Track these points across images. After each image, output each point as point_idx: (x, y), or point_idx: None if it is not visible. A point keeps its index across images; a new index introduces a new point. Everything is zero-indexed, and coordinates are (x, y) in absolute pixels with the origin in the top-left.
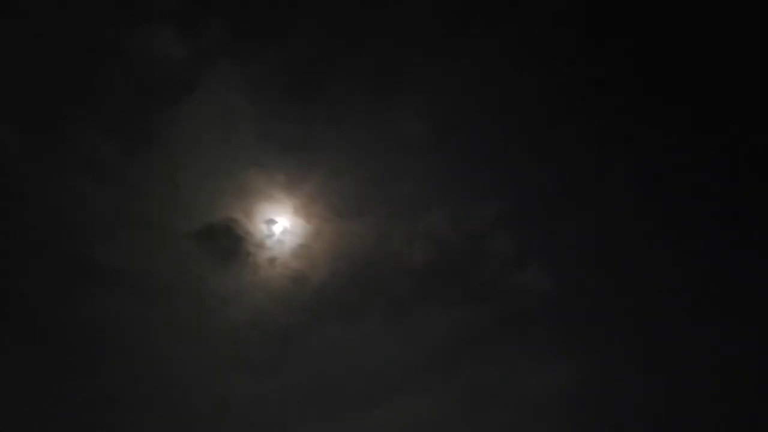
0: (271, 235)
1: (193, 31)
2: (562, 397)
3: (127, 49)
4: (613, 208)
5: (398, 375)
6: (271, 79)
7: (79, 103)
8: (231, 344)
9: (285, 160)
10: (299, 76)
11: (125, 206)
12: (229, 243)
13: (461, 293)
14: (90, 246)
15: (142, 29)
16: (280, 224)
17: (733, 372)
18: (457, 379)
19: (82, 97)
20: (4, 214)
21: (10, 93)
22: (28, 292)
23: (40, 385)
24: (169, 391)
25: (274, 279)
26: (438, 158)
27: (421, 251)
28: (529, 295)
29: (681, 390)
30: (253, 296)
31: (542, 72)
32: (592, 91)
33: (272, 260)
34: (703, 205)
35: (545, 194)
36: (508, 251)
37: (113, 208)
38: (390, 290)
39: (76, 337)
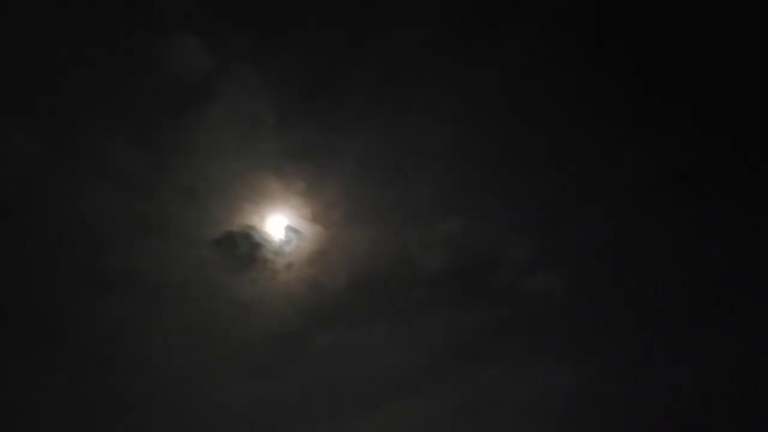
0: (289, 241)
1: (216, 39)
2: (568, 400)
3: (150, 58)
4: (623, 211)
5: (408, 377)
6: (292, 88)
7: (100, 110)
8: (245, 347)
9: (305, 168)
10: (320, 84)
11: (145, 213)
12: (248, 249)
13: (471, 297)
14: (109, 252)
15: (164, 38)
16: (299, 231)
17: (738, 375)
18: (466, 381)
19: (103, 104)
20: (26, 220)
21: (33, 101)
22: (48, 296)
23: (53, 387)
24: (180, 392)
25: (291, 285)
26: (455, 164)
27: (436, 257)
28: (536, 299)
29: (686, 393)
30: (269, 302)
31: (552, 75)
32: (604, 94)
33: (289, 266)
34: (713, 208)
35: (559, 198)
36: (520, 255)
37: (133, 215)
38: (404, 295)
39: (92, 340)
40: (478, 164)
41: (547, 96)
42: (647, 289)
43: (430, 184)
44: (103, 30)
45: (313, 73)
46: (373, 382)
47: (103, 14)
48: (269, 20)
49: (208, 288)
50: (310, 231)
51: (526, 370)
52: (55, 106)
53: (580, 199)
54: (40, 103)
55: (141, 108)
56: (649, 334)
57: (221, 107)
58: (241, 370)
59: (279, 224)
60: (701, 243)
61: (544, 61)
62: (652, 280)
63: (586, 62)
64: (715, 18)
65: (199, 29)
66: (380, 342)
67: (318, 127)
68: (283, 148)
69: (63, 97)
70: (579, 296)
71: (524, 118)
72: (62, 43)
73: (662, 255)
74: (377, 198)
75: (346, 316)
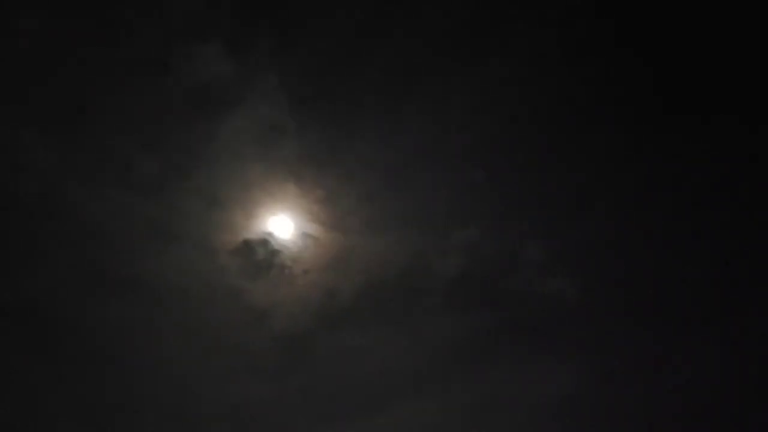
0: (306, 247)
1: (238, 46)
2: (576, 402)
3: (169, 64)
4: (632, 215)
5: (419, 379)
6: (313, 94)
7: (118, 115)
8: (260, 351)
9: (324, 175)
10: (339, 91)
11: (162, 219)
12: (266, 256)
13: (482, 302)
14: (125, 257)
15: (185, 44)
16: (317, 237)
17: (746, 381)
18: (476, 384)
19: (121, 109)
20: (42, 227)
21: (51, 106)
22: (62, 299)
23: (67, 389)
24: (191, 394)
25: (307, 290)
26: (473, 171)
27: (451, 263)
28: (545, 303)
29: (694, 395)
30: (286, 307)
31: (564, 79)
32: (615, 97)
33: (307, 272)
34: (722, 212)
35: (569, 203)
36: (532, 261)
37: (150, 221)
38: (418, 300)
39: (105, 343)
40: (494, 170)
41: (561, 101)
42: (656, 292)
43: (447, 191)
44: (123, 34)
45: (333, 80)
46: (385, 384)
47: (124, 18)
48: (290, 26)
49: (225, 293)
50: (327, 238)
51: (535, 372)
52: (71, 110)
53: (590, 204)
54: (57, 107)
55: (160, 114)
56: (657, 336)
57: (241, 114)
58: (255, 373)
59: (297, 231)
60: (710, 245)
61: (559, 62)
62: (661, 283)
63: (598, 64)
64: (728, 21)
65: (221, 35)
66: (392, 346)
67: (337, 134)
68: (302, 155)
69: (80, 101)
70: (587, 300)
71: (536, 122)
72: (80, 46)
73: (671, 258)
74: (395, 205)
75: (360, 320)
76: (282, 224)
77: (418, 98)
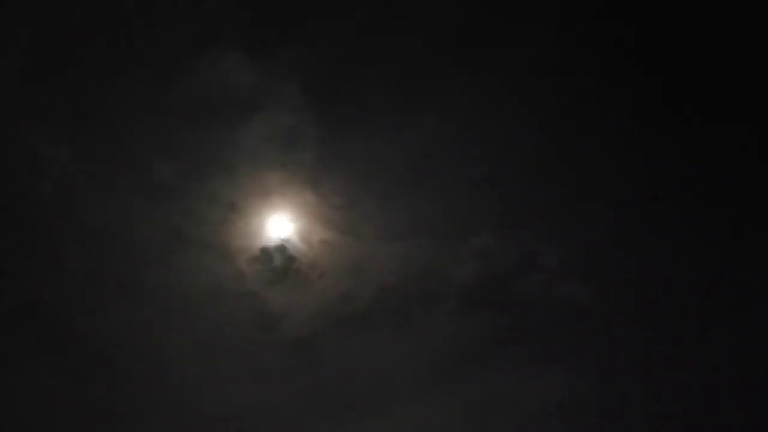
0: (323, 253)
1: (258, 54)
2: (585, 408)
3: (190, 71)
4: (641, 218)
5: (429, 382)
6: (332, 100)
7: (138, 122)
8: (272, 355)
9: (342, 182)
10: (357, 96)
11: (179, 226)
12: (283, 262)
13: (494, 307)
14: (140, 265)
15: (207, 51)
16: (333, 243)
17: (754, 385)
18: (485, 388)
19: (141, 116)
20: (59, 234)
21: (68, 112)
22: (77, 308)
23: (78, 391)
24: (200, 397)
25: (323, 296)
26: (488, 177)
27: (466, 269)
28: (553, 307)
29: (702, 400)
30: (301, 312)
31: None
32: (625, 99)
33: (322, 277)
34: (733, 214)
35: (579, 207)
36: (544, 266)
37: (167, 228)
38: (431, 306)
39: (117, 347)
40: (508, 174)
41: (574, 103)
42: (669, 297)
43: (462, 197)
44: (143, 38)
45: (350, 85)
46: (399, 387)
47: (145, 24)
48: (308, 32)
49: (241, 299)
50: (343, 243)
51: (547, 376)
52: (92, 117)
53: (605, 208)
54: (77, 114)
55: (177, 119)
56: (670, 341)
57: (261, 121)
58: (269, 377)
59: (314, 237)
60: (724, 249)
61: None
62: (674, 288)
63: (608, 65)
64: (728, 21)
65: (242, 42)
66: (406, 350)
67: (355, 139)
68: (320, 161)
69: (100, 108)
70: (600, 304)
71: (551, 126)
72: (101, 53)
73: (686, 263)
74: (411, 211)
75: (374, 325)
76: (299, 230)
77: (431, 102)
